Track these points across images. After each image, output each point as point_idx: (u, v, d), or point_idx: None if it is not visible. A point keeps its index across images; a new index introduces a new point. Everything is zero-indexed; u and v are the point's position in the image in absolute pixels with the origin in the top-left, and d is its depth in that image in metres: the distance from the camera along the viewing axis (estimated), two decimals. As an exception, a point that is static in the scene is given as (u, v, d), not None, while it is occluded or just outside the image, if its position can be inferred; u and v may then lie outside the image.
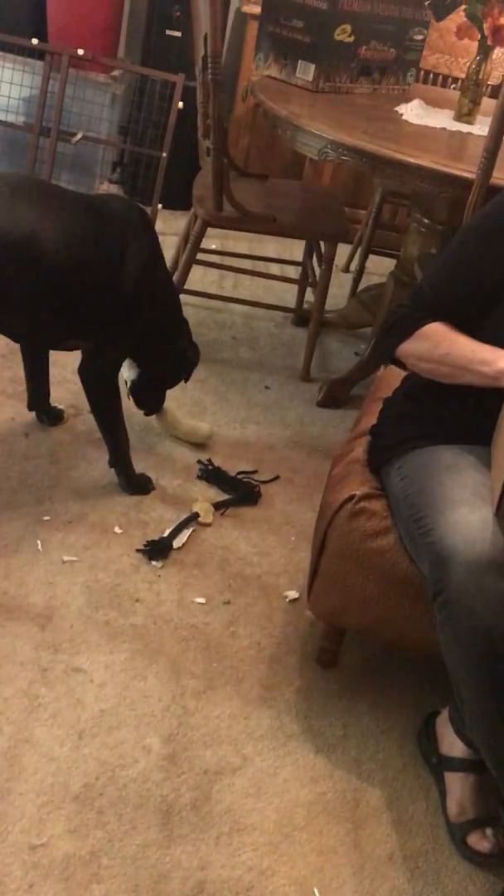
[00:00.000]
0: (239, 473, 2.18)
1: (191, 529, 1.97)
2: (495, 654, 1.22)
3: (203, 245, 2.66)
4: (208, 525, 2.01)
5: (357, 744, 1.58)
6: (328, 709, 1.64)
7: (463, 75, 2.61)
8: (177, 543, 1.92)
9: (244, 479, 2.16)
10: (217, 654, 1.70)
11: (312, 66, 2.53)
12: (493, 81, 2.84)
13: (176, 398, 2.38)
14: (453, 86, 3.15)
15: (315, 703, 1.64)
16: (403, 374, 1.59)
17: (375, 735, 1.60)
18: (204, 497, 2.09)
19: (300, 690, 1.66)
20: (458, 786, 1.47)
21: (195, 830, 1.38)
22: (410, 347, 1.45)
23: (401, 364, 1.51)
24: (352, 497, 1.49)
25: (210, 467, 2.19)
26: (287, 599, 1.85)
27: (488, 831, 1.43)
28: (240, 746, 1.53)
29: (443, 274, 1.48)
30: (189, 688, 1.61)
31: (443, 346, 1.40)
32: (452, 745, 1.49)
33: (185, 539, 1.95)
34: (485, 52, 2.44)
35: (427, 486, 1.37)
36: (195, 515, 2.01)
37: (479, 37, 2.43)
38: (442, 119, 2.53)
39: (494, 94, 2.80)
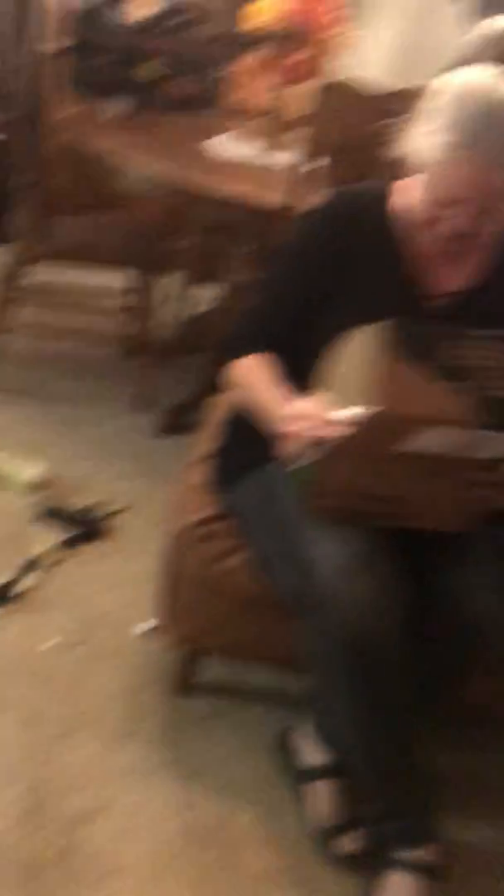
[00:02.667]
0: (81, 509, 2.15)
1: (35, 572, 1.92)
2: (361, 658, 1.26)
3: (28, 280, 2.61)
4: (54, 565, 1.97)
5: (221, 767, 1.59)
6: (190, 736, 1.64)
7: (268, 108, 2.71)
8: (20, 588, 1.87)
9: (87, 515, 2.13)
10: (73, 696, 1.66)
11: (122, 102, 2.56)
12: (298, 107, 2.97)
13: (4, 439, 2.32)
14: (260, 118, 3.26)
15: (177, 733, 1.64)
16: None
17: (238, 756, 1.62)
18: (45, 537, 2.04)
19: (161, 722, 1.65)
20: (319, 794, 1.51)
21: (63, 883, 1.34)
22: (232, 386, 1.48)
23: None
24: (196, 522, 1.50)
25: (50, 507, 2.14)
26: (140, 632, 1.83)
27: (354, 834, 1.47)
28: (104, 787, 1.50)
29: (259, 302, 1.51)
30: (47, 734, 1.57)
31: (245, 387, 1.43)
32: (310, 755, 1.53)
33: (29, 583, 1.89)
34: (286, 84, 2.55)
35: (286, 500, 1.39)
36: (37, 558, 1.96)
37: (279, 72, 2.55)
38: (251, 150, 2.62)
39: (298, 124, 2.93)
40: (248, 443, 1.55)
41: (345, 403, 1.17)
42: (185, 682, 1.71)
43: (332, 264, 1.41)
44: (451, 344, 1.12)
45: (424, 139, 1.30)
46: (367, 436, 1.13)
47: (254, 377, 1.42)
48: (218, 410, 1.84)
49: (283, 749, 1.61)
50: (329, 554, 1.27)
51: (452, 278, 1.40)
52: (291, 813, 1.53)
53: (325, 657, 1.31)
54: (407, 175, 1.43)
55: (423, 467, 1.20)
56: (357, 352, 1.18)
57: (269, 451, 1.47)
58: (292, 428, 1.25)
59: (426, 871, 1.36)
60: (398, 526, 1.29)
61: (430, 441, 1.14)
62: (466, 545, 1.34)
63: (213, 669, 1.77)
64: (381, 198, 1.44)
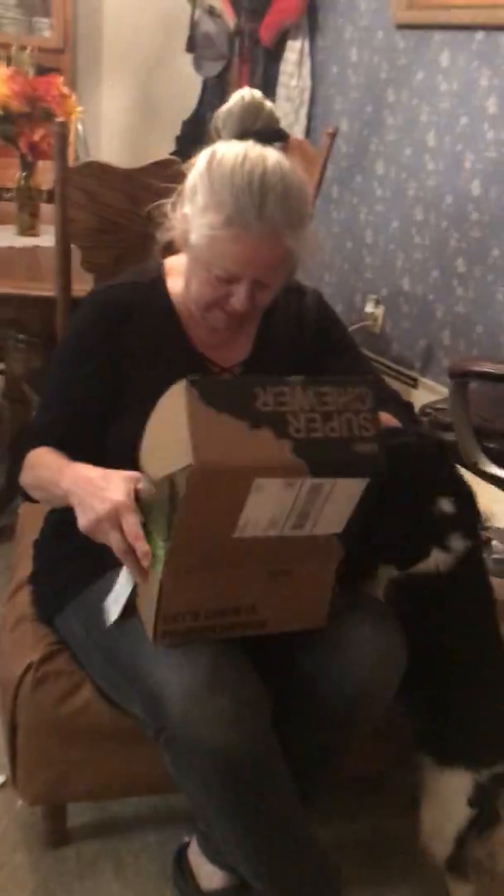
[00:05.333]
0: None
1: None
2: (234, 774, 1.16)
3: None
4: None
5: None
6: (75, 889, 1.48)
7: (13, 186, 2.59)
8: None
9: None
10: None
11: None
12: (45, 187, 2.88)
13: None
14: (7, 195, 3.14)
15: (59, 889, 1.47)
16: (45, 508, 1.49)
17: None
18: None
19: (37, 886, 1.48)
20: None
21: None
22: (24, 478, 1.36)
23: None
24: (30, 665, 1.36)
25: None
26: (-7, 787, 1.65)
27: None
28: None
29: (46, 397, 1.42)
30: None
31: (35, 469, 1.32)
32: (211, 877, 1.42)
33: None
34: (28, 167, 2.46)
35: (108, 631, 1.28)
36: None
37: (18, 154, 2.44)
38: (6, 236, 2.50)
39: (50, 199, 2.83)
40: (63, 563, 1.43)
41: (161, 471, 1.07)
42: (56, 834, 1.54)
43: (112, 363, 1.33)
44: (265, 391, 1.06)
45: (192, 219, 1.24)
46: (192, 501, 1.04)
47: (42, 457, 1.31)
48: (26, 525, 1.70)
49: (180, 872, 1.48)
50: (175, 678, 1.16)
51: (236, 351, 1.39)
52: None
53: (197, 781, 1.20)
54: (175, 254, 1.38)
55: (262, 559, 1.14)
56: (164, 417, 1.09)
57: (86, 569, 1.36)
58: (101, 536, 1.14)
59: None
60: (242, 635, 1.21)
61: (261, 507, 1.07)
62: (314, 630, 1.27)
63: (87, 811, 1.61)
64: (155, 283, 1.39)
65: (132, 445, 1.17)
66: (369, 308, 3.58)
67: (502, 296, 2.98)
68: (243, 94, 1.26)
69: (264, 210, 1.19)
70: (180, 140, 3.90)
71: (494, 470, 1.87)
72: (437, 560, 1.27)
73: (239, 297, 1.26)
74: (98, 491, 1.14)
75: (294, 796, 1.25)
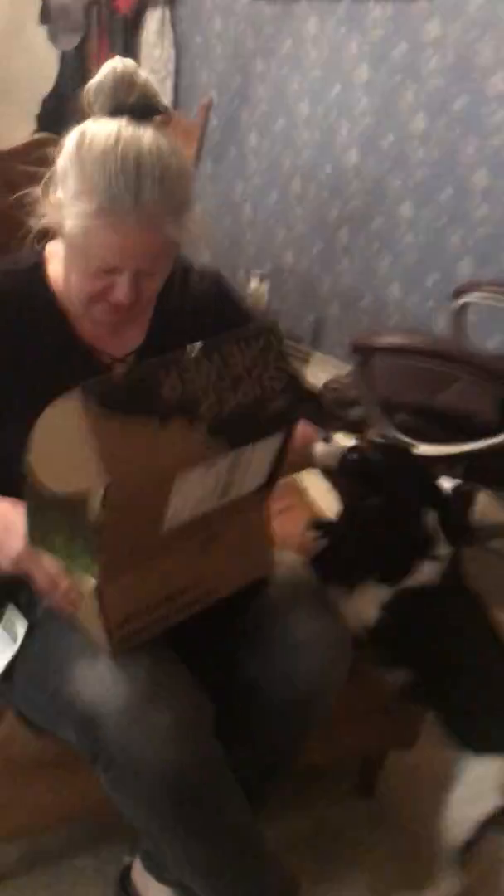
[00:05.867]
0: None
1: None
2: (181, 792, 1.09)
3: None
4: None
5: None
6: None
7: None
8: None
9: None
10: None
11: None
12: None
13: None
14: None
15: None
16: None
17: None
18: None
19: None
20: None
21: None
22: None
23: None
24: None
25: None
26: None
27: None
28: None
29: None
30: None
31: None
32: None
33: None
34: None
35: (31, 653, 1.19)
36: None
37: None
38: None
39: None
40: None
41: (66, 485, 0.98)
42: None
43: None
44: (168, 373, 0.99)
45: (65, 206, 1.12)
46: (113, 516, 0.95)
47: None
48: None
49: (126, 895, 1.39)
50: (110, 696, 1.08)
51: (129, 339, 1.28)
52: None
53: (142, 803, 1.12)
54: (55, 238, 1.24)
55: (192, 536, 1.11)
56: (59, 426, 0.97)
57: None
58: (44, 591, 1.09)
59: None
60: (200, 610, 1.17)
61: (186, 496, 1.03)
62: (255, 631, 1.23)
63: (18, 846, 1.50)
64: (33, 270, 1.24)
65: (16, 458, 1.03)
66: (253, 284, 3.52)
67: (387, 264, 2.98)
68: (115, 65, 1.13)
69: (141, 196, 1.07)
70: (42, 118, 3.72)
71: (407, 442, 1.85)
72: (428, 571, 1.27)
73: (122, 289, 1.14)
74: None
75: (244, 806, 1.19)
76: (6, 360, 1.20)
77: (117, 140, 1.08)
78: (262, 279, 3.52)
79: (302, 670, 1.20)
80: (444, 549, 1.28)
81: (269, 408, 1.07)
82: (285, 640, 1.21)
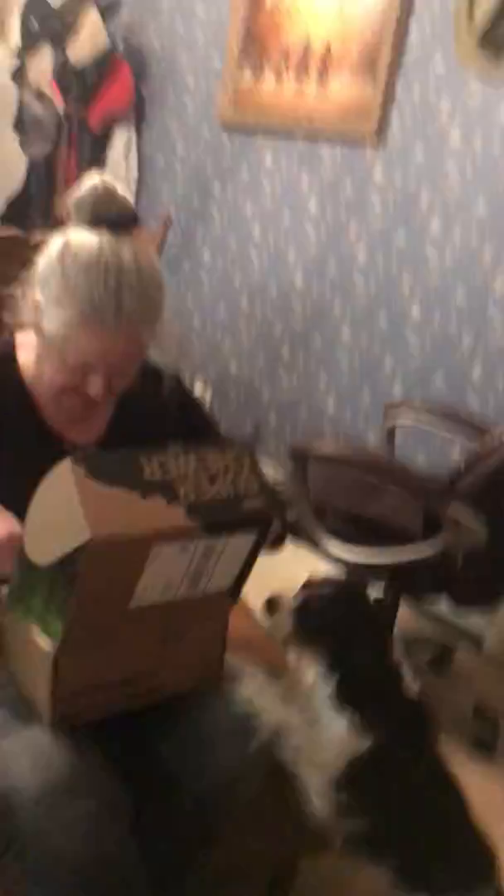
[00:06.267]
0: None
1: None
2: (95, 888, 1.08)
3: None
4: None
5: None
6: None
7: None
8: None
9: None
10: None
11: None
12: None
13: None
14: None
15: None
16: None
17: None
18: None
19: None
20: None
21: None
22: None
23: None
24: None
25: None
26: None
27: None
28: None
29: None
30: None
31: None
32: None
33: None
34: None
35: None
36: None
37: None
38: None
39: None
40: None
41: (50, 555, 1.05)
42: None
43: None
44: (149, 461, 1.07)
45: (45, 308, 1.23)
46: (89, 578, 1.02)
47: None
48: None
49: None
50: (26, 784, 1.08)
51: (91, 427, 1.38)
52: None
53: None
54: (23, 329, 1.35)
55: (156, 625, 1.14)
56: (47, 500, 1.06)
57: None
58: None
59: None
60: (142, 703, 1.19)
61: (158, 573, 1.07)
62: (170, 725, 1.25)
63: None
64: (4, 359, 1.35)
65: None
66: (198, 387, 3.67)
67: (325, 381, 3.16)
68: (96, 185, 1.25)
69: (122, 307, 1.19)
70: (5, 220, 3.87)
71: (335, 549, 1.96)
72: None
73: (96, 386, 1.25)
74: None
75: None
76: None
77: (100, 253, 1.20)
78: (206, 383, 3.68)
79: (215, 773, 1.20)
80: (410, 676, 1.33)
81: (246, 504, 1.12)
82: (206, 738, 1.22)
